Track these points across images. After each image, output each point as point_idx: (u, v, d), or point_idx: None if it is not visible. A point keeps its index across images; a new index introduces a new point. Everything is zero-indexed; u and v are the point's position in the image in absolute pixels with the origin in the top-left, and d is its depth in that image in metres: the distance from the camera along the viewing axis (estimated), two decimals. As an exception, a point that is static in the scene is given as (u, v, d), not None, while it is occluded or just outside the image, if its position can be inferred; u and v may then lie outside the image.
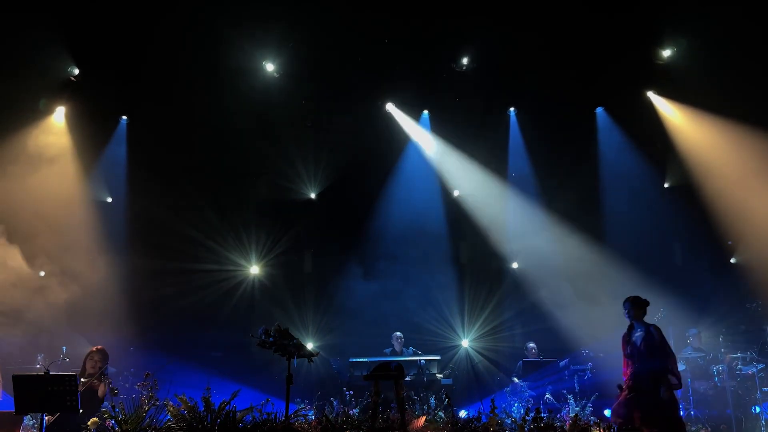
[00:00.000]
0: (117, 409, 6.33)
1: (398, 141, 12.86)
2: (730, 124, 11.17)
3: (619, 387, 7.26)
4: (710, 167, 11.56)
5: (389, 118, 12.74)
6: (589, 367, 10.70)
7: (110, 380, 7.81)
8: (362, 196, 12.92)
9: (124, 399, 7.09)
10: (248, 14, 10.71)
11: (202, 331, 12.18)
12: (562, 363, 10.92)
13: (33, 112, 11.41)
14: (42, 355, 10.44)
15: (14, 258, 10.30)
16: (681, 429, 6.89)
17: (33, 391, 6.21)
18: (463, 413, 8.75)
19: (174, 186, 12.40)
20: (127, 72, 11.33)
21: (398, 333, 11.34)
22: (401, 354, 10.97)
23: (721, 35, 10.49)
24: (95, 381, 7.72)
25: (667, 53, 11.61)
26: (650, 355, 7.09)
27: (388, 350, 11.20)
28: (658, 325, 7.30)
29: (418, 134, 12.92)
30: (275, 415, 7.03)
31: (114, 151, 12.44)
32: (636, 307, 7.38)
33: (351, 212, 12.98)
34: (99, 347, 8.02)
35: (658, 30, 11.25)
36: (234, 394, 6.75)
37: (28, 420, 7.86)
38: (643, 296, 7.36)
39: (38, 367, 9.87)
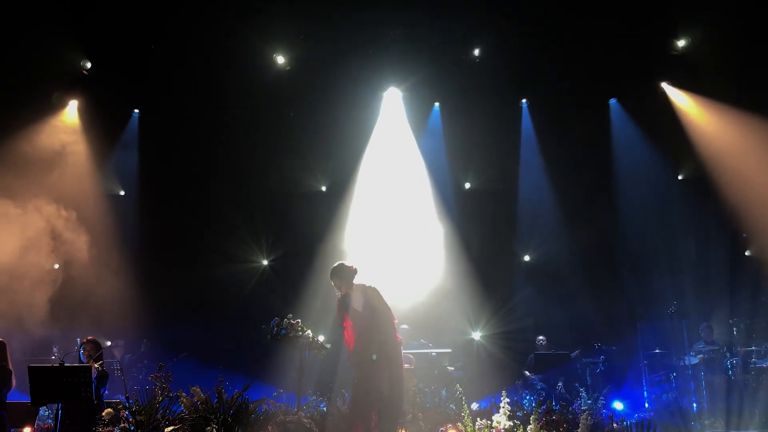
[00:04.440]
0: (131, 400, 6.38)
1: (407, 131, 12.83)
2: (745, 116, 11.04)
3: None
4: (725, 159, 11.43)
5: (398, 110, 12.70)
6: (601, 359, 10.66)
7: (101, 364, 7.72)
8: (371, 187, 12.87)
9: (138, 390, 7.14)
10: (258, 7, 10.71)
11: (215, 324, 12.23)
12: (573, 354, 10.87)
13: (46, 107, 11.47)
14: (57, 346, 10.54)
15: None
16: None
17: (48, 383, 6.27)
18: (475, 406, 8.74)
19: (185, 179, 12.45)
20: (139, 66, 11.39)
21: (405, 326, 11.29)
22: (407, 347, 10.92)
23: (736, 24, 10.36)
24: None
25: (681, 43, 11.48)
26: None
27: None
28: (371, 288, 6.62)
29: (427, 125, 12.89)
30: (287, 407, 7.08)
31: (126, 144, 12.52)
32: (336, 278, 6.71)
33: (361, 203, 12.94)
34: (89, 338, 7.99)
35: (672, 20, 11.12)
36: (246, 386, 6.79)
37: (43, 411, 7.94)
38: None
39: (53, 359, 9.97)
